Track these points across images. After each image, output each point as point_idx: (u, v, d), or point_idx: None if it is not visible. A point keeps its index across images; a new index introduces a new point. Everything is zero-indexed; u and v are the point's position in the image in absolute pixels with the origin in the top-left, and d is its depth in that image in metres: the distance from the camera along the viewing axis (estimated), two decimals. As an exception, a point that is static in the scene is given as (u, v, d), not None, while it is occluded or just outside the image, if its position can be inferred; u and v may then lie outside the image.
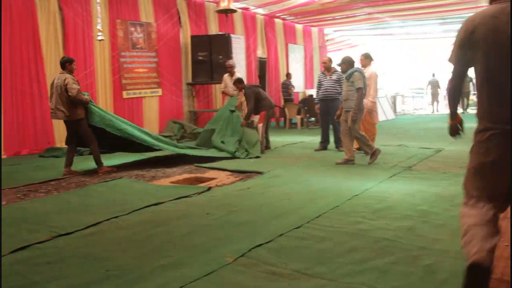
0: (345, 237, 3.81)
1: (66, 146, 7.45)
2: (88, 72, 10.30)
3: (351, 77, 7.33)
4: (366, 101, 7.93)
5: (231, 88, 10.11)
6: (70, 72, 6.95)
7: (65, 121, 7.11)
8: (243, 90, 9.24)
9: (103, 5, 10.46)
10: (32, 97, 9.31)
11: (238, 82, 9.29)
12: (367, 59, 8.30)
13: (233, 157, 8.25)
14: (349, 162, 7.41)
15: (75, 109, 6.86)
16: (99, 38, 8.07)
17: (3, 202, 5.40)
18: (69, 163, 7.01)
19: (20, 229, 4.27)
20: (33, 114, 9.33)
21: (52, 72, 9.55)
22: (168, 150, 8.08)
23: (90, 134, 7.03)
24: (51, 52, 9.67)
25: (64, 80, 6.76)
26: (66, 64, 6.98)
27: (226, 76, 10.58)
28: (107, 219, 4.48)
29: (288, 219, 4.37)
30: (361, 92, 7.26)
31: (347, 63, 7.67)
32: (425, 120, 16.03)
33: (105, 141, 7.47)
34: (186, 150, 8.37)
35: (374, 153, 7.35)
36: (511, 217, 4.63)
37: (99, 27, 8.18)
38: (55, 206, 5.10)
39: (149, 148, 7.83)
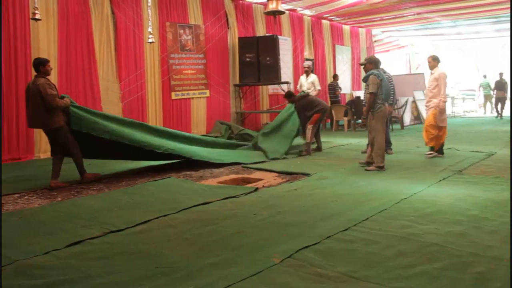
0: (393, 241, 3.75)
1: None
2: (139, 74, 10.56)
3: (367, 80, 7.01)
4: (438, 102, 7.85)
5: (306, 89, 10.41)
6: (46, 74, 6.22)
7: (44, 130, 6.49)
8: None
9: (153, 8, 10.71)
10: (86, 99, 9.61)
11: (288, 96, 9.32)
12: (434, 60, 8.15)
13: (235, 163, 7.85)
14: (381, 169, 6.96)
15: (53, 116, 6.13)
16: (150, 40, 8.24)
17: (58, 198, 5.62)
18: (56, 175, 6.35)
19: (74, 225, 4.43)
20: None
21: (105, 75, 9.90)
22: (164, 150, 7.14)
23: (71, 141, 6.34)
24: (104, 55, 9.98)
25: (39, 85, 6.03)
26: (39, 67, 6.19)
27: (302, 77, 10.91)
28: (157, 217, 4.58)
29: (335, 221, 4.34)
30: (372, 97, 6.90)
31: (373, 63, 7.24)
32: (476, 123, 15.56)
33: (92, 146, 6.77)
34: (191, 150, 7.71)
35: (379, 167, 6.96)
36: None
37: (150, 29, 8.36)
38: (107, 204, 5.26)
39: (139, 154, 7.20)
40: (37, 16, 6.85)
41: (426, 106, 8.24)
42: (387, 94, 7.27)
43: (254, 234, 4.04)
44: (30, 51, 8.75)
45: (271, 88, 14.13)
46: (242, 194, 5.54)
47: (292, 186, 5.99)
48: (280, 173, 6.99)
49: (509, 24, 15.17)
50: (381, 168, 6.94)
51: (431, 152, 8.06)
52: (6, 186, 6.32)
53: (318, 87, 10.93)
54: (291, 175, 6.79)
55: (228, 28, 13.04)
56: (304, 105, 8.92)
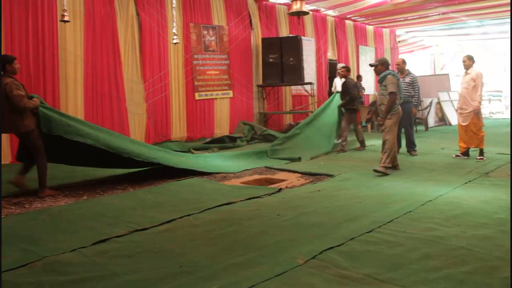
0: (418, 244, 3.71)
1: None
2: (163, 74, 10.66)
3: (384, 80, 6.87)
4: (475, 102, 7.72)
5: (340, 90, 10.52)
6: (12, 73, 5.67)
7: (15, 134, 5.94)
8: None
9: (178, 9, 10.80)
10: (111, 99, 9.75)
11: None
12: (470, 60, 8.02)
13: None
14: (387, 171, 6.78)
15: (22, 119, 5.62)
16: (175, 41, 8.31)
17: (84, 197, 5.71)
18: (23, 172, 6.00)
19: (100, 223, 4.50)
20: (111, 115, 9.76)
21: (129, 75, 10.03)
22: (145, 158, 6.62)
23: (39, 146, 5.79)
24: (129, 55, 10.10)
25: (5, 85, 5.50)
26: (5, 65, 5.62)
27: (337, 79, 10.98)
28: (181, 217, 4.62)
29: (359, 223, 4.32)
30: (393, 96, 6.78)
31: (385, 64, 7.11)
32: (502, 124, 15.29)
33: (63, 152, 6.32)
34: (167, 158, 7.13)
35: (386, 168, 6.80)
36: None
37: (174, 30, 8.43)
38: (131, 203, 5.33)
39: (116, 162, 6.68)
40: (65, 18, 6.97)
41: (462, 109, 8.04)
42: (401, 96, 7.19)
43: (278, 234, 4.04)
44: (57, 52, 8.90)
45: (294, 89, 14.11)
46: (265, 195, 5.55)
47: (315, 187, 5.99)
48: (303, 174, 6.98)
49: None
50: (387, 169, 6.77)
51: (482, 157, 7.89)
52: (34, 184, 6.43)
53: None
54: (314, 176, 6.78)
55: (252, 29, 13.07)
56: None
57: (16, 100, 5.50)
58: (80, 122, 6.41)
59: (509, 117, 18.53)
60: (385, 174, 6.69)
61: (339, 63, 14.54)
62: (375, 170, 6.74)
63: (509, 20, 16.79)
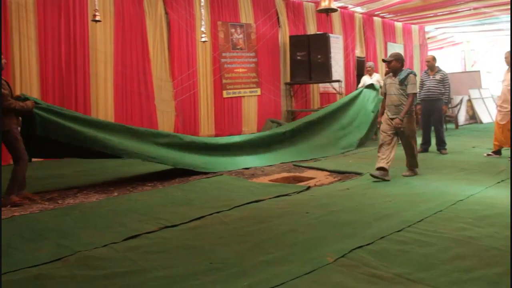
0: (449, 243, 3.65)
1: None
2: (191, 72, 10.74)
3: (406, 80, 6.34)
4: None
5: None
6: None
7: None
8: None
9: (205, 8, 10.87)
10: (140, 97, 9.88)
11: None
12: None
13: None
14: (413, 172, 6.60)
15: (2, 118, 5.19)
16: (203, 39, 8.36)
17: (115, 193, 5.80)
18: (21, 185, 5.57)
19: (130, 219, 4.57)
20: (140, 113, 9.88)
21: (158, 74, 10.15)
22: (144, 159, 6.61)
23: (19, 149, 5.39)
24: (158, 54, 10.22)
25: None
26: None
27: (365, 77, 10.96)
28: (210, 214, 4.64)
29: (389, 221, 4.28)
30: (413, 98, 6.34)
31: (400, 60, 6.51)
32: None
33: (57, 147, 6.08)
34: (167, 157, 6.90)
35: (413, 170, 6.63)
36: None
37: (203, 29, 8.48)
38: (161, 199, 5.39)
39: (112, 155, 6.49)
40: (97, 18, 7.08)
41: (502, 106, 7.81)
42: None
43: (307, 232, 4.03)
44: (88, 51, 9.07)
45: (322, 87, 14.04)
46: (294, 193, 5.54)
47: (344, 185, 5.95)
48: (332, 172, 6.95)
49: None
50: (413, 170, 6.60)
51: None
52: (66, 180, 6.60)
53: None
54: (343, 174, 6.74)
55: (279, 26, 13.05)
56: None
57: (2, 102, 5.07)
58: (79, 119, 6.16)
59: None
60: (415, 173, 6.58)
61: (367, 61, 14.41)
62: (405, 175, 6.53)
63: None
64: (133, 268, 3.30)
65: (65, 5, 8.78)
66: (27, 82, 8.35)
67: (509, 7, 14.73)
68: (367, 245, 3.64)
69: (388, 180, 6.14)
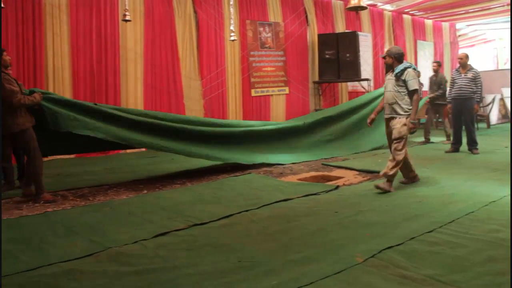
0: (482, 245, 3.57)
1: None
2: (220, 71, 10.79)
3: (403, 75, 5.66)
4: None
5: None
6: (4, 66, 5.19)
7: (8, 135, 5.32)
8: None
9: (234, 7, 10.88)
10: (169, 95, 9.98)
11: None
12: None
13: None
14: (413, 179, 6.01)
15: (14, 117, 5.11)
16: (232, 38, 8.38)
17: (144, 191, 5.86)
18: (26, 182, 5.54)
19: (160, 216, 4.62)
20: (169, 111, 9.93)
21: (187, 72, 10.24)
22: (159, 148, 6.40)
23: (34, 147, 5.29)
24: (187, 53, 10.30)
25: None
26: None
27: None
28: (239, 212, 4.66)
29: (419, 222, 4.22)
30: (417, 94, 5.68)
31: (392, 55, 5.84)
32: None
33: (67, 142, 6.03)
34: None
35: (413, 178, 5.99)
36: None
37: (231, 27, 8.50)
38: (190, 197, 5.43)
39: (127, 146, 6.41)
40: (127, 18, 7.16)
41: None
42: None
43: (336, 232, 4.01)
44: (118, 50, 9.21)
45: (351, 85, 13.93)
46: (322, 192, 5.52)
47: (373, 185, 5.88)
48: (360, 171, 6.89)
49: None
50: (414, 178, 6.01)
51: None
52: (96, 177, 6.70)
53: None
54: (372, 174, 6.67)
55: (308, 25, 13.00)
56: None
57: (12, 98, 5.00)
58: (91, 110, 5.98)
59: None
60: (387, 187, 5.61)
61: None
62: (402, 182, 5.94)
63: None
64: (162, 265, 3.34)
65: (96, 5, 8.94)
66: (60, 81, 8.53)
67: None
68: (397, 245, 3.60)
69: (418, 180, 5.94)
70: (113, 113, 6.22)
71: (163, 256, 3.51)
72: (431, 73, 10.42)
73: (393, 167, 5.62)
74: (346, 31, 13.46)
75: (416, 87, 5.65)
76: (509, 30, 19.53)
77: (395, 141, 5.68)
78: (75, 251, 3.66)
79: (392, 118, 5.71)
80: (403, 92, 5.68)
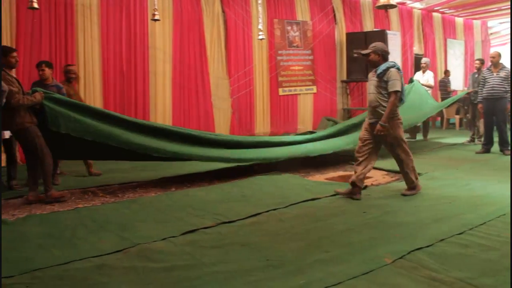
0: (514, 249, 3.51)
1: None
2: (247, 70, 10.81)
3: (385, 75, 5.14)
4: None
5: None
6: (8, 67, 5.14)
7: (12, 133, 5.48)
8: None
9: (262, 5, 10.89)
10: (197, 94, 10.04)
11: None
12: None
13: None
14: (415, 189, 5.41)
15: (13, 116, 5.06)
16: (260, 37, 8.40)
17: (172, 189, 5.92)
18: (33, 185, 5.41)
19: (188, 214, 4.66)
20: (197, 110, 10.06)
21: (215, 71, 10.28)
22: (163, 154, 5.97)
23: (39, 144, 5.21)
24: (215, 52, 10.34)
25: None
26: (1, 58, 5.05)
27: (418, 73, 10.70)
28: (266, 211, 4.67)
29: (449, 224, 4.16)
30: (396, 97, 5.12)
31: (379, 51, 5.28)
32: None
33: (73, 146, 5.70)
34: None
35: (415, 188, 5.42)
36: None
37: (260, 26, 8.52)
38: (218, 195, 5.45)
39: (132, 155, 6.03)
40: (156, 17, 7.24)
41: None
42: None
43: (364, 232, 3.99)
44: (147, 50, 9.30)
45: (379, 85, 13.78)
46: (350, 191, 5.48)
47: (402, 185, 5.79)
48: (389, 171, 6.81)
49: None
50: (416, 187, 5.44)
51: None
52: (125, 175, 6.78)
53: (431, 83, 10.58)
54: (400, 174, 6.57)
55: (336, 23, 12.91)
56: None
57: (7, 96, 4.91)
58: (92, 112, 5.76)
59: None
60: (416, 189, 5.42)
61: (424, 57, 14.02)
62: (405, 195, 5.35)
63: None
64: (191, 262, 3.38)
65: (126, 5, 9.04)
66: (90, 80, 8.66)
67: None
68: (426, 247, 3.56)
69: (358, 199, 5.16)
70: (118, 117, 6.09)
71: (191, 253, 3.55)
72: (462, 72, 10.23)
73: (411, 173, 5.38)
74: (375, 29, 13.33)
75: (397, 88, 5.10)
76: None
77: (397, 148, 5.35)
78: (105, 246, 3.73)
79: (377, 123, 5.19)
80: (387, 93, 5.18)
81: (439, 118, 14.19)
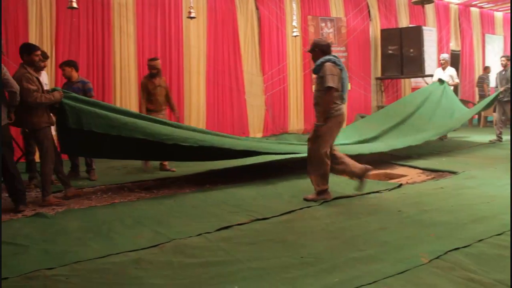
0: (557, 251, 3.42)
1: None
2: (281, 67, 10.82)
3: (321, 70, 4.89)
4: None
5: None
6: (30, 65, 5.06)
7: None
8: None
9: (296, 2, 10.87)
10: (231, 91, 10.11)
11: None
12: None
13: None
14: (319, 197, 5.00)
15: (30, 116, 5.00)
16: (295, 34, 8.38)
17: (207, 185, 5.97)
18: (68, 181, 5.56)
19: (222, 210, 4.71)
20: (231, 107, 10.13)
21: (249, 68, 10.31)
22: (193, 143, 5.62)
23: (46, 147, 5.12)
24: (248, 49, 10.40)
25: (19, 77, 4.85)
26: (23, 55, 5.06)
27: (438, 70, 10.31)
28: (301, 208, 4.68)
29: (487, 224, 4.06)
30: (330, 94, 4.83)
31: (317, 46, 5.06)
32: None
33: (96, 145, 5.62)
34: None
35: (320, 192, 5.01)
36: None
37: (294, 23, 8.51)
38: (251, 192, 5.48)
39: (160, 152, 5.98)
40: (192, 15, 7.31)
41: None
42: (346, 92, 5.17)
43: (399, 231, 3.94)
44: (182, 47, 9.40)
45: (414, 81, 13.58)
46: (385, 190, 5.43)
47: (438, 184, 5.73)
48: (424, 169, 6.71)
49: None
50: (323, 193, 5.03)
51: None
52: (161, 171, 6.87)
53: (457, 80, 10.25)
54: (436, 173, 6.49)
55: (370, 20, 12.78)
56: None
57: (27, 97, 4.86)
58: (115, 109, 5.67)
59: None
60: (323, 194, 5.03)
61: (462, 55, 13.71)
62: (306, 199, 5.01)
63: None
64: (226, 258, 3.40)
65: (161, 4, 9.16)
66: (126, 78, 8.80)
67: None
68: (464, 247, 3.49)
69: (327, 200, 4.97)
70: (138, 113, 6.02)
71: (226, 250, 3.58)
72: (500, 69, 9.91)
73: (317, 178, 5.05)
74: (410, 25, 13.13)
75: (331, 84, 4.77)
76: None
77: (315, 143, 5.01)
78: (142, 241, 3.80)
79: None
80: (323, 90, 4.89)
81: (476, 116, 13.87)
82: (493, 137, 9.91)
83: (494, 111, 12.79)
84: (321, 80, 4.90)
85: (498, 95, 9.65)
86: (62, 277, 3.13)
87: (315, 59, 5.07)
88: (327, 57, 4.94)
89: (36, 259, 3.47)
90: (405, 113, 8.86)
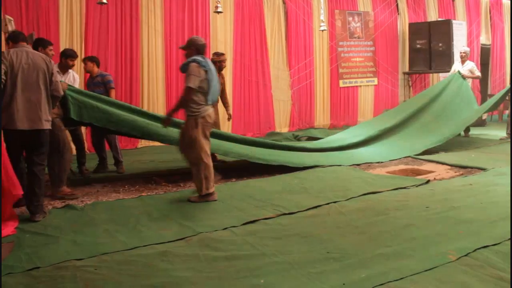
0: None
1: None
2: (308, 62, 10.78)
3: (187, 70, 4.87)
4: None
5: None
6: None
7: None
8: None
9: (323, -4, 10.82)
10: (257, 86, 10.12)
11: None
12: None
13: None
14: (203, 199, 4.92)
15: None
16: (322, 28, 8.34)
17: (233, 179, 6.00)
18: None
19: (248, 205, 4.72)
20: (257, 101, 10.14)
21: (275, 63, 10.31)
22: None
23: (63, 139, 5.17)
24: (275, 43, 10.39)
25: (47, 65, 4.40)
26: (39, 48, 5.09)
27: (457, 64, 10.03)
28: (327, 203, 4.66)
29: (518, 222, 4.00)
30: (188, 93, 4.79)
31: (199, 46, 4.98)
32: None
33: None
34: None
35: (203, 196, 4.92)
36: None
37: (322, 17, 8.46)
38: (278, 187, 5.47)
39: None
40: (219, 9, 7.33)
41: None
42: (214, 94, 5.03)
43: (427, 228, 3.90)
44: (209, 42, 9.43)
45: (442, 76, 13.29)
46: (412, 186, 5.38)
47: (466, 181, 5.64)
48: (452, 166, 6.60)
49: None
50: (207, 196, 4.93)
51: None
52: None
53: (478, 73, 9.80)
54: (465, 169, 6.38)
55: (398, 14, 12.62)
56: None
57: (59, 90, 4.69)
58: (116, 105, 5.73)
59: None
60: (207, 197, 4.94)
61: (492, 49, 13.40)
62: (189, 200, 4.98)
63: None
64: (252, 252, 3.43)
65: (188, -1, 9.22)
66: (154, 73, 8.89)
67: None
68: (493, 245, 3.44)
69: (214, 200, 4.94)
70: (141, 110, 6.12)
71: (252, 244, 3.60)
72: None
73: (201, 181, 4.94)
74: (439, 19, 12.91)
75: (190, 84, 4.75)
76: None
77: (188, 149, 4.96)
78: (168, 234, 3.86)
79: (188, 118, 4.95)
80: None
81: (506, 112, 13.56)
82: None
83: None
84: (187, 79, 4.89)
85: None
86: (91, 268, 3.20)
87: (188, 57, 5.00)
88: (195, 57, 4.90)
89: (66, 249, 3.55)
90: (423, 103, 8.71)
